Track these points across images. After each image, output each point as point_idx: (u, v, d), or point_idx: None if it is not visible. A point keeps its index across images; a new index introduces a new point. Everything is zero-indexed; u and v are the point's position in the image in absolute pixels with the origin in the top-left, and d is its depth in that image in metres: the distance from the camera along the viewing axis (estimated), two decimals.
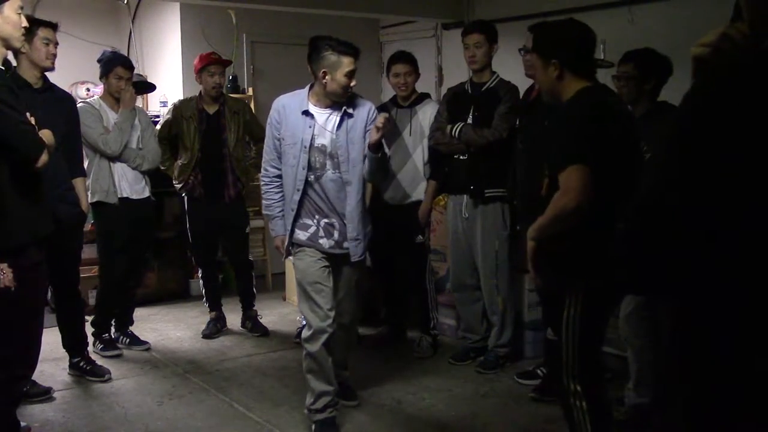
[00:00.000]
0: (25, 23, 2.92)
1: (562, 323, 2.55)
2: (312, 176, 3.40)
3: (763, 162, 1.43)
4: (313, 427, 3.42)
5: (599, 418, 2.56)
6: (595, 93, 2.62)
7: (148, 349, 4.67)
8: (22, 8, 2.90)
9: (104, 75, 4.39)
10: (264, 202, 3.60)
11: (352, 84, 3.36)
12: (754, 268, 1.45)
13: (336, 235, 3.45)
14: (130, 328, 4.76)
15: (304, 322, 4.82)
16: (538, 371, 4.02)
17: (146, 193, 4.56)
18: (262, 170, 3.60)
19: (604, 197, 2.39)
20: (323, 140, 3.40)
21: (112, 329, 4.68)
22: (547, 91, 2.75)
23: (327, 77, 3.31)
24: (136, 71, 6.17)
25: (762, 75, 1.43)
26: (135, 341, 4.72)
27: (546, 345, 3.78)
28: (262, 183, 3.59)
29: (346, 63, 3.31)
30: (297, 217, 3.43)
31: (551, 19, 4.00)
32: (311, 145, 3.38)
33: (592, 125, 2.49)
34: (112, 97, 4.43)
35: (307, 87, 3.46)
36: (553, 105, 3.61)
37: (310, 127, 3.38)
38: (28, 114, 2.88)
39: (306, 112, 3.39)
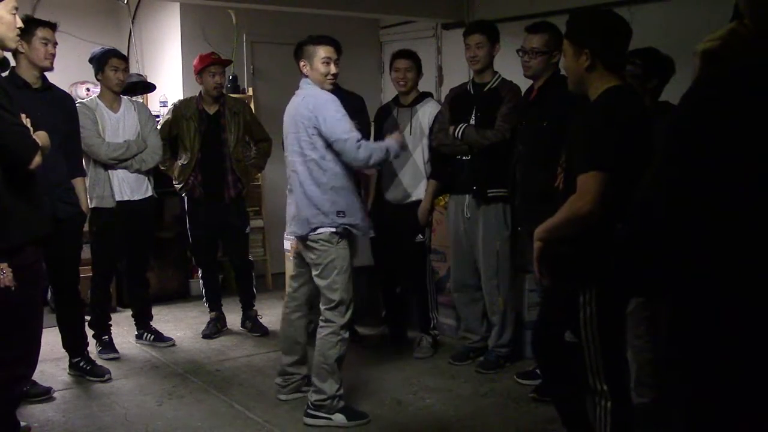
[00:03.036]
0: (19, 24, 2.91)
1: (579, 325, 2.54)
2: None
3: (762, 161, 1.43)
4: (341, 416, 3.49)
5: (622, 417, 2.56)
6: (625, 95, 2.56)
7: (173, 345, 4.76)
8: (16, 9, 2.90)
9: (100, 70, 4.38)
10: (365, 153, 3.46)
11: (333, 71, 3.55)
12: (754, 267, 1.45)
13: None
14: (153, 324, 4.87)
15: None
16: (538, 371, 4.01)
17: (149, 192, 4.57)
18: (351, 136, 3.44)
19: (621, 202, 2.35)
20: None
21: (135, 327, 4.83)
22: (574, 81, 2.66)
23: (306, 67, 3.56)
24: (136, 71, 6.22)
25: (760, 78, 1.43)
26: (159, 338, 4.79)
27: (546, 345, 3.75)
28: (356, 142, 3.43)
29: (322, 51, 3.53)
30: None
31: (551, 20, 4.01)
32: None
33: (618, 132, 2.43)
34: (111, 92, 4.43)
35: (311, 84, 3.59)
36: (553, 106, 3.64)
37: None
38: (23, 115, 2.87)
39: None
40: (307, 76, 3.58)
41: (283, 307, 3.88)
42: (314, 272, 3.57)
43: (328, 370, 3.49)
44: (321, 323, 3.53)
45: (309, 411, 3.53)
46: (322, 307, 3.54)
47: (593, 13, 2.80)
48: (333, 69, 3.55)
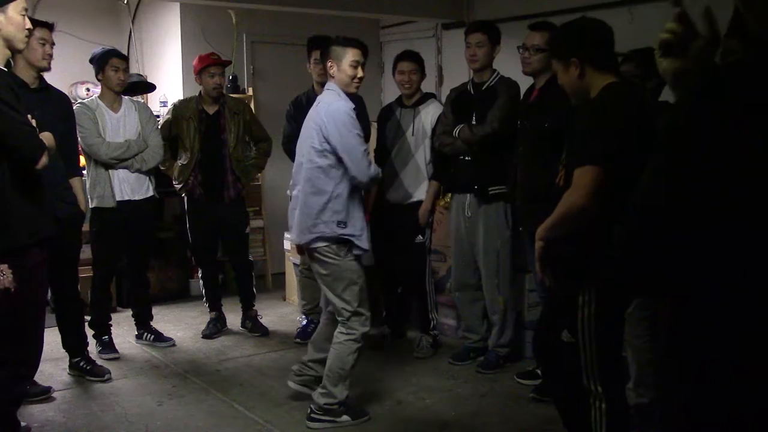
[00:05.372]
0: (28, 25, 2.92)
1: (577, 325, 2.54)
2: None
3: (758, 159, 1.43)
4: (346, 416, 3.50)
5: (617, 419, 2.56)
6: (622, 90, 2.56)
7: (173, 346, 4.76)
8: (26, 10, 2.91)
9: (100, 70, 4.38)
10: (374, 170, 3.53)
11: (360, 75, 3.50)
12: (752, 267, 1.45)
13: None
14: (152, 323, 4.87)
15: (305, 322, 4.87)
16: (538, 371, 4.01)
17: (150, 192, 4.57)
18: (374, 168, 3.51)
19: (623, 198, 2.34)
20: None
21: (135, 327, 4.85)
22: (573, 93, 2.67)
23: (334, 68, 3.49)
24: (136, 71, 6.22)
25: (754, 76, 1.44)
26: (159, 338, 4.80)
27: (547, 345, 3.75)
28: (366, 157, 3.47)
29: (351, 54, 3.47)
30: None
31: (551, 20, 4.01)
32: None
33: (615, 127, 2.44)
34: (112, 92, 4.43)
35: (337, 87, 3.51)
36: (554, 107, 3.64)
37: None
38: (29, 116, 2.88)
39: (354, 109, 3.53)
40: (333, 77, 3.51)
41: (324, 306, 3.88)
42: (321, 285, 3.54)
43: (342, 375, 3.48)
44: (340, 328, 3.50)
45: (313, 415, 3.51)
46: (338, 318, 3.51)
47: (570, 24, 2.81)
48: (360, 72, 3.50)
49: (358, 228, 3.48)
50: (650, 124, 2.52)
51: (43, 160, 2.84)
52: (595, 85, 2.57)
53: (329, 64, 3.51)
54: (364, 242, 3.50)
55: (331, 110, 3.42)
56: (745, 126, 1.42)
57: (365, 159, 3.44)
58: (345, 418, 3.51)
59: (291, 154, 4.64)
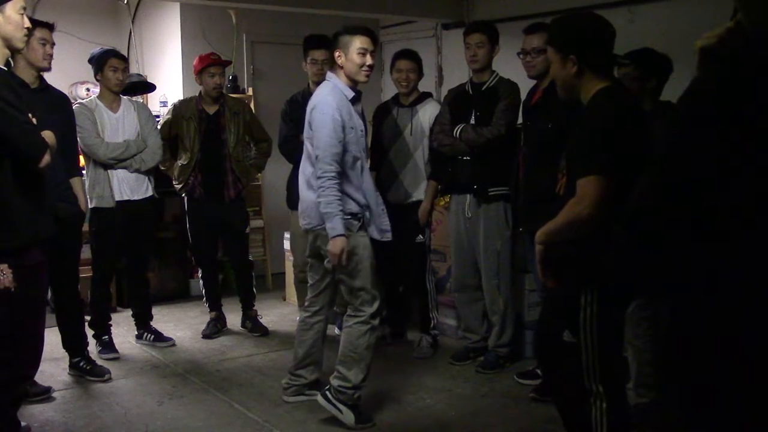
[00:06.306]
0: (27, 24, 2.92)
1: (579, 325, 2.54)
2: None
3: (759, 161, 1.43)
4: (352, 415, 3.44)
5: (618, 419, 2.56)
6: (617, 96, 2.56)
7: (173, 345, 4.76)
8: (24, 9, 2.90)
9: (99, 70, 4.38)
10: (325, 199, 3.31)
11: (368, 62, 3.43)
12: (751, 268, 1.45)
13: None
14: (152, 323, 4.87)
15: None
16: (538, 371, 4.01)
17: (149, 192, 4.57)
18: (326, 169, 3.32)
19: (620, 202, 2.35)
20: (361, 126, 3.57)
21: (135, 327, 4.85)
22: (564, 88, 2.66)
23: (342, 58, 3.44)
24: (136, 71, 6.22)
25: (756, 80, 1.44)
26: (159, 338, 4.80)
27: (548, 345, 3.74)
28: (329, 179, 3.30)
29: (358, 42, 3.42)
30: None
31: (551, 20, 4.00)
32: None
33: (615, 134, 2.43)
34: (111, 92, 4.43)
35: (335, 77, 3.49)
36: (557, 108, 3.63)
37: (357, 112, 3.52)
38: (29, 114, 2.88)
39: (352, 99, 3.49)
40: (341, 67, 3.46)
41: (301, 311, 3.86)
42: (331, 268, 3.48)
43: (355, 358, 3.43)
44: (349, 313, 3.47)
45: (326, 392, 3.48)
46: (347, 297, 3.48)
47: (575, 18, 2.77)
48: (369, 60, 3.43)
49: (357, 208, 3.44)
50: (644, 124, 2.52)
51: (46, 158, 2.84)
52: (590, 87, 2.56)
53: (337, 53, 3.46)
54: (373, 229, 3.51)
55: (318, 104, 3.41)
56: (752, 123, 1.42)
57: (324, 165, 3.31)
58: (350, 415, 3.45)
59: (288, 155, 4.64)
